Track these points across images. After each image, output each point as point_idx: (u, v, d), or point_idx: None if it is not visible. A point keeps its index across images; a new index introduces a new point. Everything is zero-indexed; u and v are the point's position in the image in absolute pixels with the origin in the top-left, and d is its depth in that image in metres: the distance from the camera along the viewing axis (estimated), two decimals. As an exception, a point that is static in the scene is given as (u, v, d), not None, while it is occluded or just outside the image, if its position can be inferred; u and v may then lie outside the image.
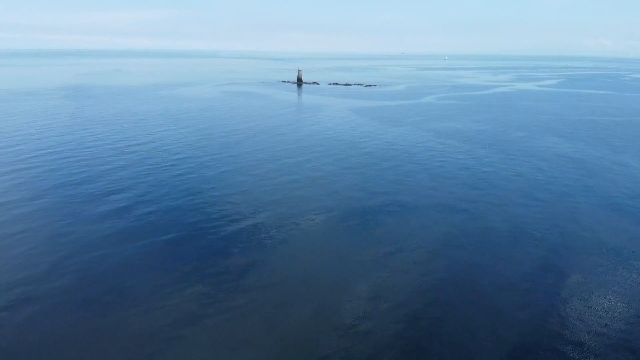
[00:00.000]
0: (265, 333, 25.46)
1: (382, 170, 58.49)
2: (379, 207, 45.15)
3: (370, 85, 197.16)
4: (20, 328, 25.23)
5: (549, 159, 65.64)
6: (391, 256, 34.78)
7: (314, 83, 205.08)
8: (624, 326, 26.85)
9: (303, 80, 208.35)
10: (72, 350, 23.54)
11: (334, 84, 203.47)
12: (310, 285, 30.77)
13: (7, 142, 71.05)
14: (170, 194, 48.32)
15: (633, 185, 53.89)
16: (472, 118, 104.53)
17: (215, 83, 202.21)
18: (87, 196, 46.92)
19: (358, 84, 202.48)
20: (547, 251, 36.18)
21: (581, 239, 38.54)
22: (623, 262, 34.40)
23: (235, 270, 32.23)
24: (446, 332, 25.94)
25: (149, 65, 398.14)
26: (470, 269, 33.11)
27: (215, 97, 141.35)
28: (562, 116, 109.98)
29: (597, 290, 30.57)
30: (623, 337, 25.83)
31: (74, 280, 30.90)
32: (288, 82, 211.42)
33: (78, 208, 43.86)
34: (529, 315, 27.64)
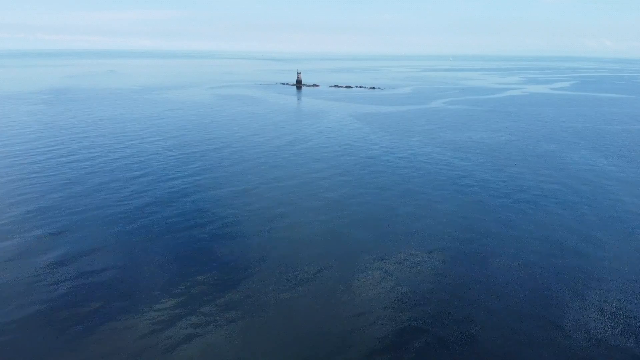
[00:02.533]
0: None
1: (390, 202, 47.88)
2: (383, 259, 34.60)
3: (373, 88, 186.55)
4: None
5: (590, 182, 55.00)
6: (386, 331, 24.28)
7: (314, 85, 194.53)
8: None
9: (303, 83, 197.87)
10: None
11: (335, 86, 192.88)
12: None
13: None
14: (119, 219, 37.99)
15: None
16: (490, 127, 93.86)
17: (209, 85, 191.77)
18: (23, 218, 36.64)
19: (360, 87, 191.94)
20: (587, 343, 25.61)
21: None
22: None
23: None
24: None
25: (145, 66, 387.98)
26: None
27: (206, 102, 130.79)
28: (589, 125, 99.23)
29: None
30: None
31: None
32: (287, 84, 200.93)
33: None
34: None
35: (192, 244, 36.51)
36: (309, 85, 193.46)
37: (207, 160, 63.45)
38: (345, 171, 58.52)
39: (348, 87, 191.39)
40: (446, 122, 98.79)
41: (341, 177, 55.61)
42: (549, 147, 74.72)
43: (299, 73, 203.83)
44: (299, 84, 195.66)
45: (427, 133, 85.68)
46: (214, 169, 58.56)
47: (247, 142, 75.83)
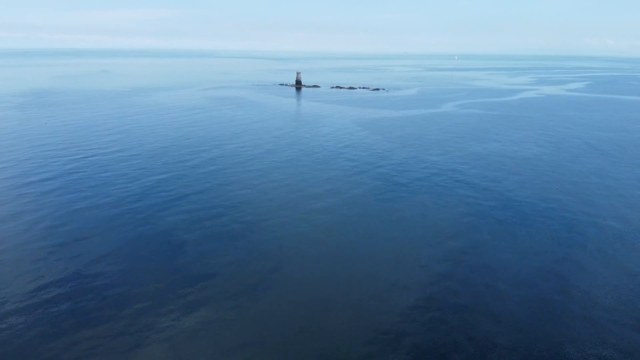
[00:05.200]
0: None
1: (403, 250, 36.78)
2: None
3: (377, 89, 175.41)
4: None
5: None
6: None
7: (315, 86, 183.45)
8: None
9: (302, 83, 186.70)
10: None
11: (336, 87, 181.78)
12: None
13: None
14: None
15: None
16: (512, 137, 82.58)
17: (204, 86, 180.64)
18: None
19: (363, 88, 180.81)
20: None
21: None
22: None
23: None
24: None
25: (141, 66, 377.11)
26: None
27: (195, 105, 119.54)
28: (625, 133, 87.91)
29: None
30: None
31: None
32: (286, 84, 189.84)
33: None
34: None
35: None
36: (309, 86, 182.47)
37: (171, 176, 52.29)
38: (346, 198, 47.41)
39: (350, 88, 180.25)
40: (461, 131, 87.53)
41: (339, 203, 44.53)
42: (589, 165, 63.41)
43: (298, 73, 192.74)
44: (298, 84, 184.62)
45: (442, 145, 74.51)
46: (175, 189, 47.41)
47: (230, 153, 64.66)
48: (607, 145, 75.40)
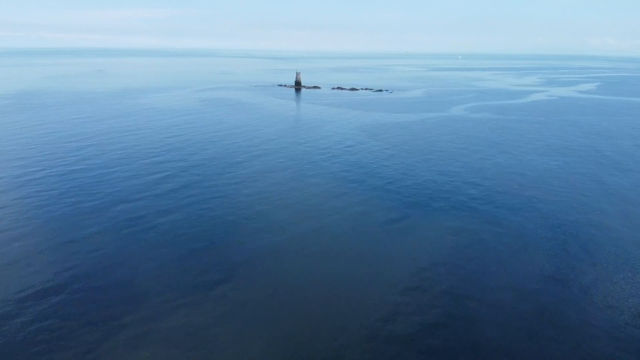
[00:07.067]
0: None
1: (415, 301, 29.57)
2: None
3: (380, 90, 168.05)
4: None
5: None
6: None
7: (315, 87, 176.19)
8: None
9: (302, 84, 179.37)
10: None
11: (338, 88, 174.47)
12: None
13: None
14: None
15: None
16: (531, 146, 75.15)
17: (199, 87, 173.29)
18: None
19: (365, 89, 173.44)
20: None
21: None
22: None
23: None
24: None
25: (139, 65, 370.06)
26: None
27: (188, 109, 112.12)
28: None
29: None
30: None
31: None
32: (285, 85, 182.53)
33: None
34: None
35: None
36: (309, 87, 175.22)
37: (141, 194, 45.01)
38: (338, 225, 40.18)
39: (352, 89, 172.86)
40: (472, 141, 79.86)
41: (328, 233, 37.28)
42: (615, 187, 55.63)
43: (298, 73, 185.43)
44: (298, 85, 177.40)
45: (451, 158, 67.12)
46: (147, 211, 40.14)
47: (207, 164, 57.35)
48: (631, 161, 68.01)
